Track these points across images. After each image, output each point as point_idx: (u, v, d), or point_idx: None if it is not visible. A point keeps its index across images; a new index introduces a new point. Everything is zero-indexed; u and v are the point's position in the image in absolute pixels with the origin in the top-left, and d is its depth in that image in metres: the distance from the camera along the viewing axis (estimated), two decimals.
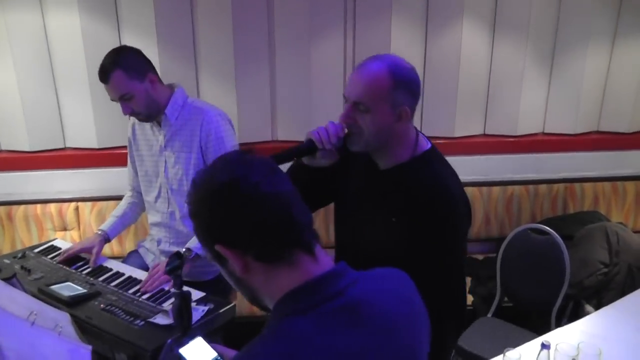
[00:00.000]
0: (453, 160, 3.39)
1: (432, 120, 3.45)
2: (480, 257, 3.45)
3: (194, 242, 2.30)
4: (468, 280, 3.21)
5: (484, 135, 3.57)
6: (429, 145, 1.75)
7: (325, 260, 1.08)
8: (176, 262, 1.61)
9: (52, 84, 3.30)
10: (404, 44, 3.29)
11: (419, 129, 2.86)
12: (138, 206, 2.67)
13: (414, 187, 1.65)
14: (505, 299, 2.99)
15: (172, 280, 1.63)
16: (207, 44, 3.26)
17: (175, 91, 2.41)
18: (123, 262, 2.53)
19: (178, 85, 2.46)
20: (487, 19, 3.32)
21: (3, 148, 3.43)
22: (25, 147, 3.37)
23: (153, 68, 2.35)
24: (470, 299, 3.08)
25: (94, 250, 2.43)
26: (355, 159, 1.81)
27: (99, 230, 2.58)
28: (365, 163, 1.78)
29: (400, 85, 1.60)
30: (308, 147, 1.70)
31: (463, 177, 3.43)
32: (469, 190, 3.43)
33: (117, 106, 2.32)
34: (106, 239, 2.55)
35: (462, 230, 1.74)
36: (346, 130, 1.67)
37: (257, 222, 1.00)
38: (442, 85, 3.39)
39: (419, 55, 3.34)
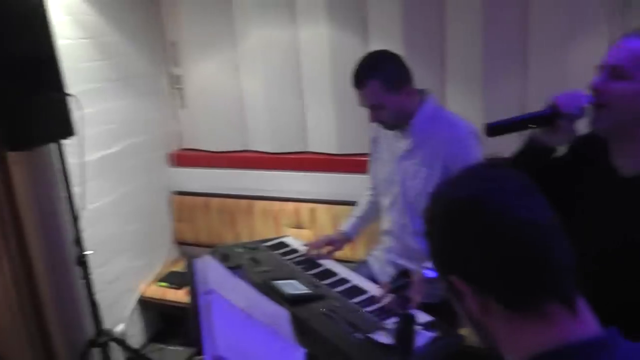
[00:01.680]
0: None
1: None
2: None
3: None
4: None
5: None
6: None
7: (589, 319, 0.81)
8: (401, 281, 1.50)
9: (298, 91, 3.45)
10: None
11: None
12: (377, 205, 2.58)
13: None
14: None
15: (396, 299, 1.51)
16: (455, 50, 3.07)
17: (426, 100, 2.26)
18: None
19: (430, 92, 2.31)
20: None
21: (250, 148, 3.70)
22: (269, 149, 3.59)
23: (410, 77, 2.21)
24: None
25: (335, 246, 2.53)
26: (589, 164, 1.56)
27: (340, 230, 2.61)
28: (601, 169, 1.51)
29: None
30: (550, 112, 1.50)
31: None
32: None
33: (359, 114, 2.28)
34: (347, 238, 2.57)
35: None
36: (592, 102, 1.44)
37: (502, 256, 0.79)
38: None
39: None
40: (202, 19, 3.54)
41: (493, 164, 0.91)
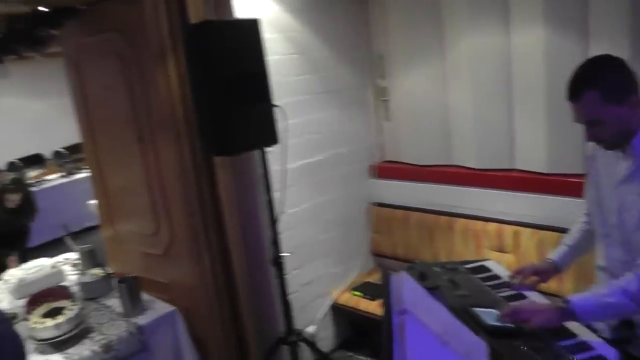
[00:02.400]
0: None
1: None
2: None
3: None
4: None
5: None
6: None
7: None
8: (624, 333, 1.25)
9: (508, 102, 3.20)
10: None
11: None
12: (592, 235, 2.20)
13: None
14: None
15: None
16: None
17: None
18: None
19: None
20: None
21: (453, 163, 3.54)
22: (473, 164, 3.39)
23: (636, 87, 1.83)
24: None
25: (542, 277, 2.23)
26: None
27: (548, 258, 2.32)
28: None
29: None
30: None
31: None
32: None
33: (574, 129, 1.98)
34: (556, 269, 2.28)
35: None
36: None
37: None
38: None
39: None
40: (410, 31, 3.49)
41: None
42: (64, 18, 3.12)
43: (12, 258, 4.29)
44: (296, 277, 3.40)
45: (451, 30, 3.32)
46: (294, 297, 3.28)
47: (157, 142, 2.95)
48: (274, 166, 2.92)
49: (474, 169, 3.39)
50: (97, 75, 3.27)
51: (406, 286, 1.79)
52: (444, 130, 3.52)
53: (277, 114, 2.71)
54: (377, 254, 3.94)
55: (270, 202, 2.84)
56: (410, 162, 3.75)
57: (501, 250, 3.19)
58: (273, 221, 2.85)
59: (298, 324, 3.26)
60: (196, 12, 2.70)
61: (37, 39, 3.05)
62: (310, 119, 3.43)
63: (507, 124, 3.23)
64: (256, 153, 2.84)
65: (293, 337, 2.98)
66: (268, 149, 2.78)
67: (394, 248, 3.78)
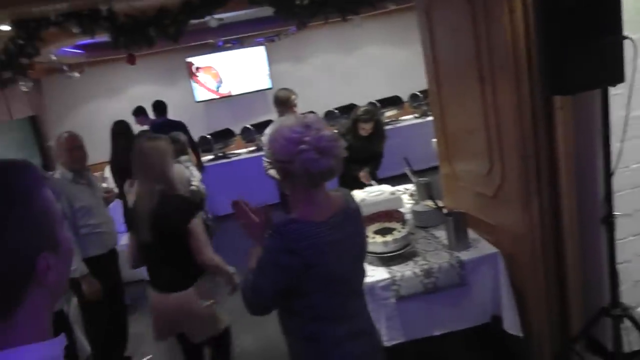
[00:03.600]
0: None
1: None
2: None
3: None
4: None
5: None
6: None
7: None
8: None
9: None
10: None
11: None
12: None
13: None
14: None
15: None
16: None
17: None
18: None
19: None
20: None
21: None
22: None
23: None
24: None
25: None
26: None
27: None
28: None
29: None
30: None
31: None
32: None
33: None
34: None
35: None
36: None
37: None
38: None
39: None
40: None
41: None
42: None
43: (364, 174, 4.72)
44: (632, 245, 2.94)
45: None
46: (626, 267, 2.88)
47: (497, 82, 2.91)
48: (618, 112, 2.56)
49: None
50: (444, 19, 3.37)
51: None
52: None
53: (627, 49, 2.33)
54: None
55: (607, 153, 2.52)
56: None
57: None
58: (608, 175, 2.54)
59: (628, 299, 2.80)
60: None
61: None
62: None
63: None
64: (598, 95, 2.52)
65: (618, 311, 2.65)
66: (612, 92, 2.45)
67: None
